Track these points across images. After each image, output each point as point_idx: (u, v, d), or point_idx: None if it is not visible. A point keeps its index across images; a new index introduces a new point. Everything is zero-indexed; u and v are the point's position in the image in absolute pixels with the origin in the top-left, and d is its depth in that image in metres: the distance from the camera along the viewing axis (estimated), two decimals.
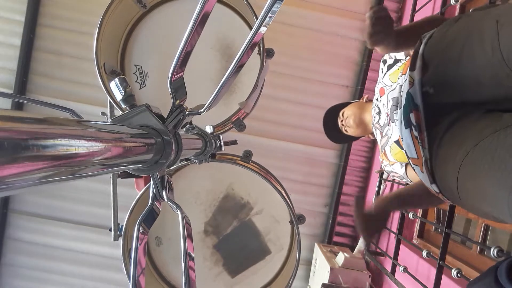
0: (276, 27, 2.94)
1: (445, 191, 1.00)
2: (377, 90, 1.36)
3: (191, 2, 1.39)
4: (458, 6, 2.09)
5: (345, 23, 3.04)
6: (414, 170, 1.09)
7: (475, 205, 0.91)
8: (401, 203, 1.32)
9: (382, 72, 1.36)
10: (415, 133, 1.02)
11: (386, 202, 1.25)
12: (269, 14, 0.52)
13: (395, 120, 1.18)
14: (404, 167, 1.32)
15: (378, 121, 1.35)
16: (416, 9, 2.54)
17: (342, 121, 1.56)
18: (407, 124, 1.04)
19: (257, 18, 0.54)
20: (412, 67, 1.03)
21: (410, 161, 1.09)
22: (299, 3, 3.00)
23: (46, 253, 3.11)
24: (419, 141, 1.01)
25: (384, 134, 1.34)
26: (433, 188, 1.02)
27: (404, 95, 1.06)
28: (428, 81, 1.00)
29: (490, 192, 0.79)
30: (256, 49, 1.33)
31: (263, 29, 0.55)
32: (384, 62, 1.37)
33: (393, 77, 1.27)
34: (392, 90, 1.23)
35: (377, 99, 1.35)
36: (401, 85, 1.12)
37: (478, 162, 0.82)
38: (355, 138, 1.70)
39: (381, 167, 1.49)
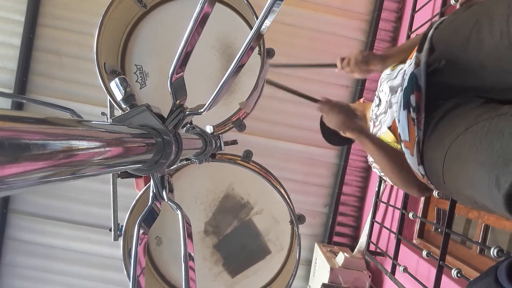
0: (276, 27, 2.94)
1: (430, 173, 1.00)
2: (379, 82, 1.38)
3: (191, 2, 1.39)
4: (458, 6, 2.09)
5: (345, 23, 3.04)
6: (404, 154, 1.09)
7: (458, 188, 0.91)
8: (371, 136, 1.27)
9: None
10: (413, 115, 1.02)
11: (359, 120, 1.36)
12: (269, 14, 0.52)
13: (393, 104, 1.18)
14: None
15: (376, 112, 1.36)
16: (416, 9, 2.54)
17: None
18: (406, 105, 1.05)
19: (257, 18, 0.54)
20: (419, 49, 1.04)
21: (402, 144, 1.09)
22: (299, 3, 3.00)
23: (46, 253, 3.10)
24: (414, 123, 1.01)
25: (377, 123, 1.34)
26: (420, 170, 1.02)
27: (407, 77, 1.07)
28: (434, 62, 1.00)
29: (473, 174, 0.79)
30: (257, 49, 1.33)
31: (263, 29, 0.55)
32: None
33: (393, 65, 1.29)
34: (392, 78, 1.24)
35: (380, 91, 1.36)
36: (405, 70, 1.13)
37: (466, 145, 0.82)
38: (352, 141, 1.69)
39: None
